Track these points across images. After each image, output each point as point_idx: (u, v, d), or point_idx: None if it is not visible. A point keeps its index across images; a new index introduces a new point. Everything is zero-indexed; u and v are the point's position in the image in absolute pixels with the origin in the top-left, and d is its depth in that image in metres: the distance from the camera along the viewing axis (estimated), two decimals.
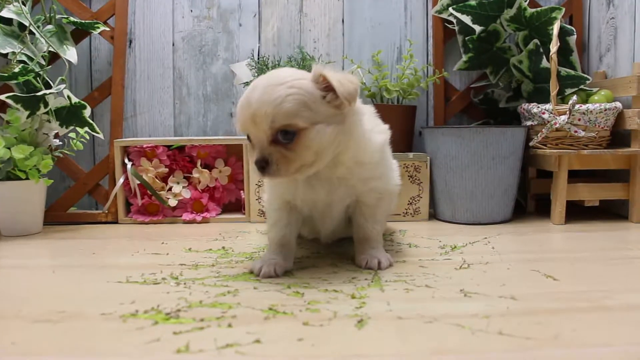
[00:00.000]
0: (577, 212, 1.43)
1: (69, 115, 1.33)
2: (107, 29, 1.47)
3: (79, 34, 1.49)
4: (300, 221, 0.98)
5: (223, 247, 1.13)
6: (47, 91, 1.26)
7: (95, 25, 1.44)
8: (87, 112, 1.35)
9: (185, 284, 0.87)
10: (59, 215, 1.46)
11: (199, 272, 0.94)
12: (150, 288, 0.85)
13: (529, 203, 1.53)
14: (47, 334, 0.67)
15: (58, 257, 1.11)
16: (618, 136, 1.40)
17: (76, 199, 1.48)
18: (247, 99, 0.82)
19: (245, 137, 0.88)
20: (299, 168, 0.83)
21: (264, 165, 0.82)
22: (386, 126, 0.99)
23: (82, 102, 1.35)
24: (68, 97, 1.32)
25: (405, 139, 1.48)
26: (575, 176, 1.45)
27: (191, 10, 1.58)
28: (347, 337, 0.64)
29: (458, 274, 0.90)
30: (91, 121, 1.36)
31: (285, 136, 0.80)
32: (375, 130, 0.94)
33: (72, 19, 1.43)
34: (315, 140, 0.81)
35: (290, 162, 0.82)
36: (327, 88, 0.82)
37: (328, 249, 1.11)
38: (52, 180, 1.33)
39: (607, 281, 0.86)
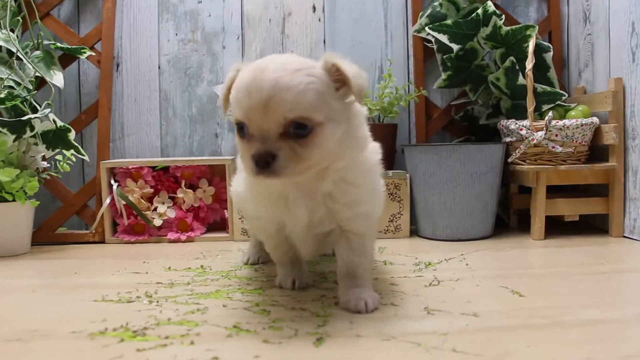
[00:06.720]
0: (558, 227, 1.44)
1: (55, 139, 1.37)
2: (94, 53, 1.51)
3: (67, 58, 1.53)
4: None
5: (202, 266, 1.15)
6: (33, 115, 1.30)
7: (82, 50, 1.48)
8: (72, 135, 1.38)
9: (158, 302, 0.89)
10: (47, 235, 1.48)
11: (173, 290, 0.96)
12: (123, 306, 0.87)
13: (512, 219, 1.54)
14: (16, 353, 0.68)
15: (41, 277, 1.13)
16: (597, 151, 1.41)
17: (64, 220, 1.50)
18: (255, 82, 0.68)
19: (236, 127, 0.74)
20: (305, 169, 0.73)
21: (269, 161, 0.69)
22: (377, 144, 0.88)
23: (67, 125, 1.38)
24: (54, 120, 1.35)
25: (386, 157, 1.49)
26: (558, 191, 1.46)
27: (176, 34, 1.62)
28: (303, 354, 0.66)
29: (426, 292, 0.91)
30: (76, 144, 1.39)
31: (300, 130, 0.70)
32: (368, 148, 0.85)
33: (59, 44, 1.47)
34: (328, 139, 0.72)
35: (300, 161, 0.71)
36: (339, 80, 0.73)
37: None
38: (39, 202, 1.35)
39: (570, 297, 0.87)
